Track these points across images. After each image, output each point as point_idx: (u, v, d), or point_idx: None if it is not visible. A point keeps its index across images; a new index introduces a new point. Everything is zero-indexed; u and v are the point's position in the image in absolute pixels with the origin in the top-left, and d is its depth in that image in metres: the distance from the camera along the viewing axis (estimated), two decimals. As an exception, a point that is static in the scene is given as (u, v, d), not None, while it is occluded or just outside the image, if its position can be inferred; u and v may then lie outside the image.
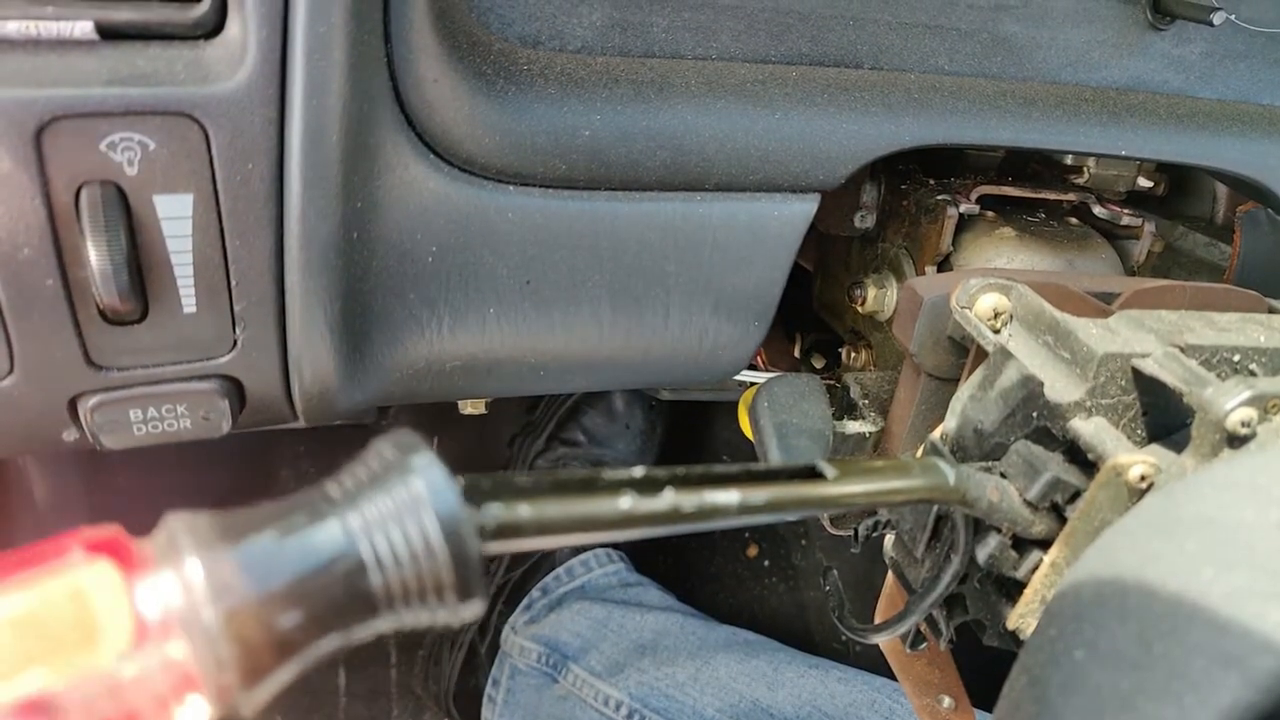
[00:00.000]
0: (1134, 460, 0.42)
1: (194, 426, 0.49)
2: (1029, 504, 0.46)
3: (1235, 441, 0.40)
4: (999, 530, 0.47)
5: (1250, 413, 0.40)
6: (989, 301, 0.51)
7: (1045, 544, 0.46)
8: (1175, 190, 0.73)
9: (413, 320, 0.51)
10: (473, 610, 0.28)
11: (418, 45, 0.46)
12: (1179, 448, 0.43)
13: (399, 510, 0.27)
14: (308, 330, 0.48)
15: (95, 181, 0.42)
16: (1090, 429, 0.44)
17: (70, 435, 0.49)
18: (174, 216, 0.44)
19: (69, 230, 0.42)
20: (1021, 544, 0.48)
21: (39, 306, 0.43)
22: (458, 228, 0.50)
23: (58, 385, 0.46)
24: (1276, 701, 0.24)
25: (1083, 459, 0.45)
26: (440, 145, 0.48)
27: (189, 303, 0.46)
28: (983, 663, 0.53)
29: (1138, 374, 0.44)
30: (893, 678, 0.61)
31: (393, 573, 0.26)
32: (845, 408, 0.64)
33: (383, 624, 0.27)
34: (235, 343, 0.47)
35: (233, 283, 0.46)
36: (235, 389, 0.49)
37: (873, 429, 0.62)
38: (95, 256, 0.42)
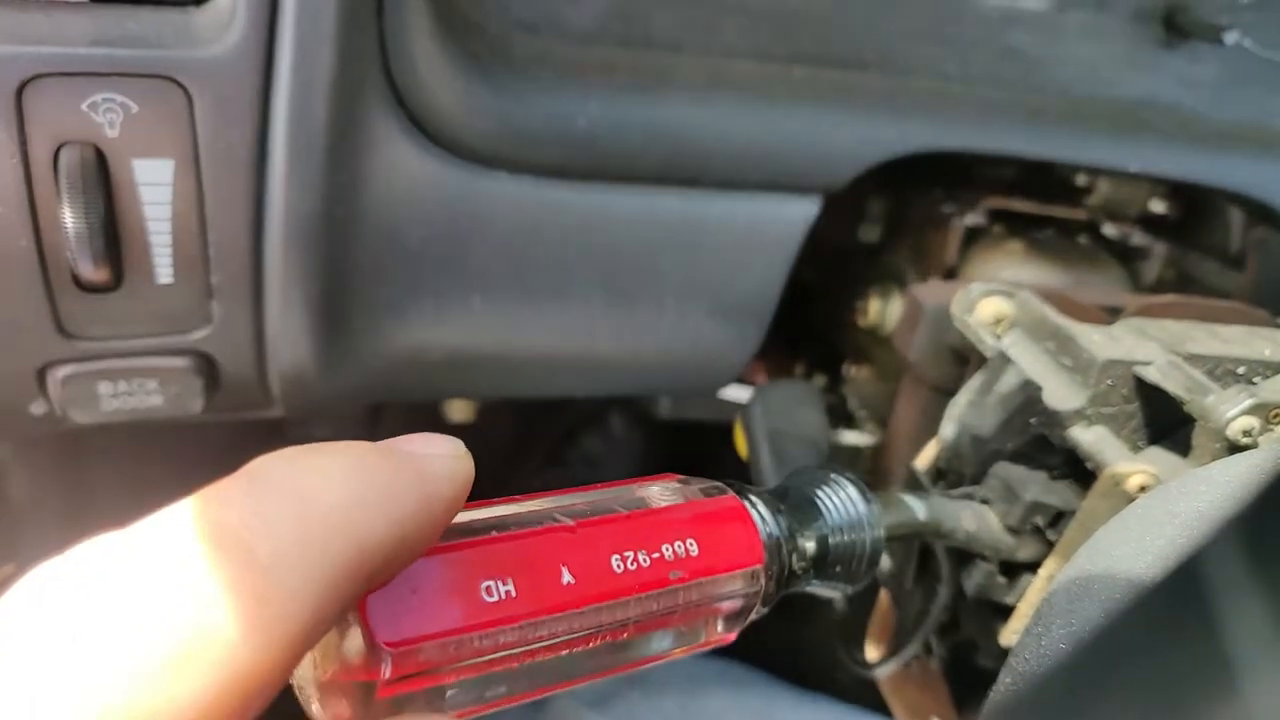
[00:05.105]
0: (1133, 469, 0.40)
1: (165, 404, 0.48)
2: (1010, 529, 0.44)
3: (1237, 451, 0.39)
4: (985, 558, 0.45)
5: (1252, 421, 0.38)
6: (991, 308, 0.49)
7: (1036, 566, 0.44)
8: (1190, 217, 0.72)
9: (395, 305, 0.50)
10: None
11: (411, 22, 0.45)
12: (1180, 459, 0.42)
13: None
14: (286, 308, 0.46)
15: (75, 142, 0.41)
16: (1090, 438, 0.43)
17: (38, 408, 0.48)
18: (153, 183, 0.43)
19: (46, 191, 0.41)
20: (1012, 568, 0.46)
21: (10, 268, 0.42)
22: (446, 212, 0.49)
23: (27, 353, 0.45)
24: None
25: (1080, 470, 0.43)
26: (430, 126, 0.47)
27: (165, 273, 0.44)
28: (973, 685, 0.51)
29: (1139, 382, 0.43)
30: (890, 717, 0.59)
31: None
32: (842, 417, 0.63)
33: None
34: (211, 317, 0.46)
35: (211, 254, 0.44)
36: (209, 366, 0.48)
37: (870, 441, 0.60)
38: (71, 219, 0.41)
